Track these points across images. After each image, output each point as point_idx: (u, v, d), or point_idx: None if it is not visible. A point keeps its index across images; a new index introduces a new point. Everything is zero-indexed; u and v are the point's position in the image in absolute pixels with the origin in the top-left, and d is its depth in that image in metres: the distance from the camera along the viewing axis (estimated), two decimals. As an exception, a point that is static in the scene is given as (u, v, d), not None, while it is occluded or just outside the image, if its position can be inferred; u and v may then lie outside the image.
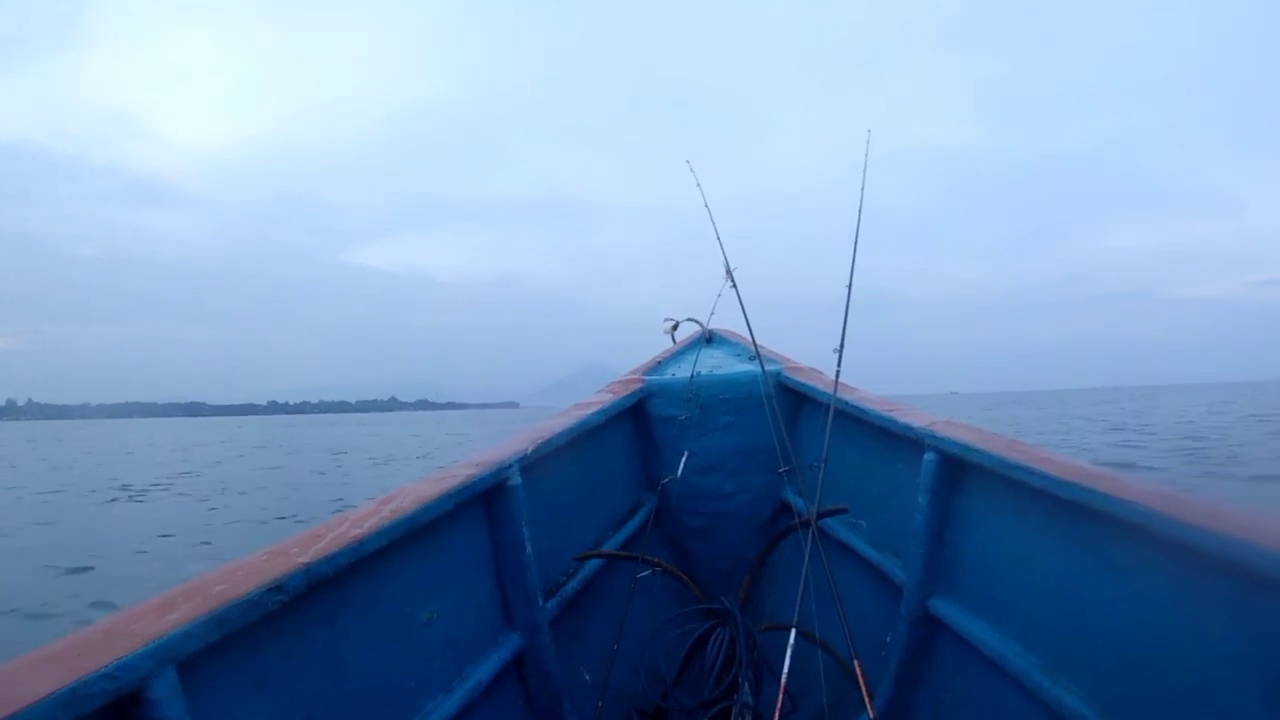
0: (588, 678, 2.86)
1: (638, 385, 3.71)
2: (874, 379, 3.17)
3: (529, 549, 2.49)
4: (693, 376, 3.71)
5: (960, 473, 2.48)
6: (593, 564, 3.06)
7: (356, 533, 1.75)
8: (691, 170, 3.88)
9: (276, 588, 1.49)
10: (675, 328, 4.26)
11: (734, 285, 3.63)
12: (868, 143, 3.39)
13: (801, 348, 3.93)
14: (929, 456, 2.53)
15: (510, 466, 2.46)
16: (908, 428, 2.68)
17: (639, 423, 3.75)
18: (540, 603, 2.56)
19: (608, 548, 3.19)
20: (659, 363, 4.06)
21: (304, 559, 1.58)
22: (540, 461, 2.68)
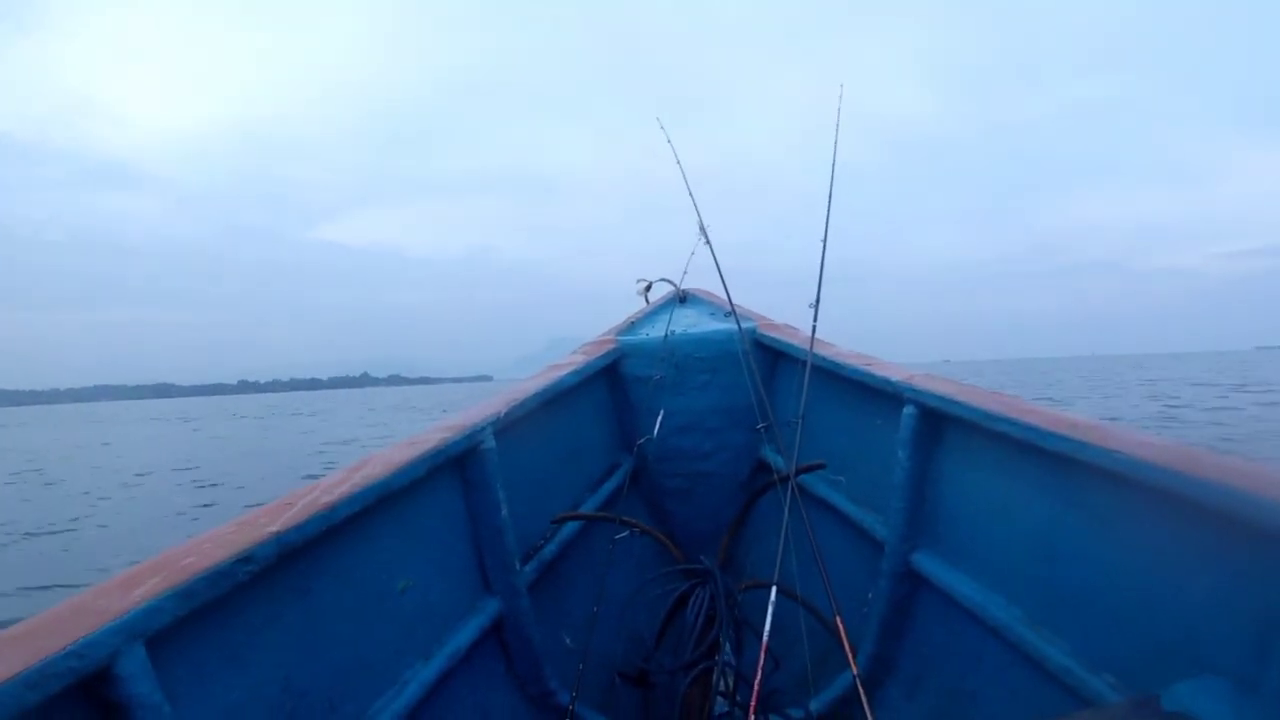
0: (568, 641, 2.85)
1: (611, 346, 3.67)
2: (861, 347, 3.15)
3: (504, 512, 2.47)
4: (667, 336, 3.68)
5: (940, 426, 2.47)
6: (570, 526, 3.05)
7: (327, 500, 1.71)
8: (662, 127, 3.81)
9: (245, 558, 1.45)
10: (648, 288, 4.20)
11: (708, 242, 3.58)
12: (840, 97, 3.35)
13: (774, 315, 3.91)
14: (908, 410, 2.52)
15: (483, 430, 2.43)
16: (886, 381, 2.67)
17: (613, 383, 3.72)
18: (518, 567, 2.54)
19: (585, 510, 3.18)
20: (632, 323, 4.01)
21: (273, 528, 1.55)
22: (514, 424, 2.65)
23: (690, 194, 3.66)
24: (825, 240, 3.00)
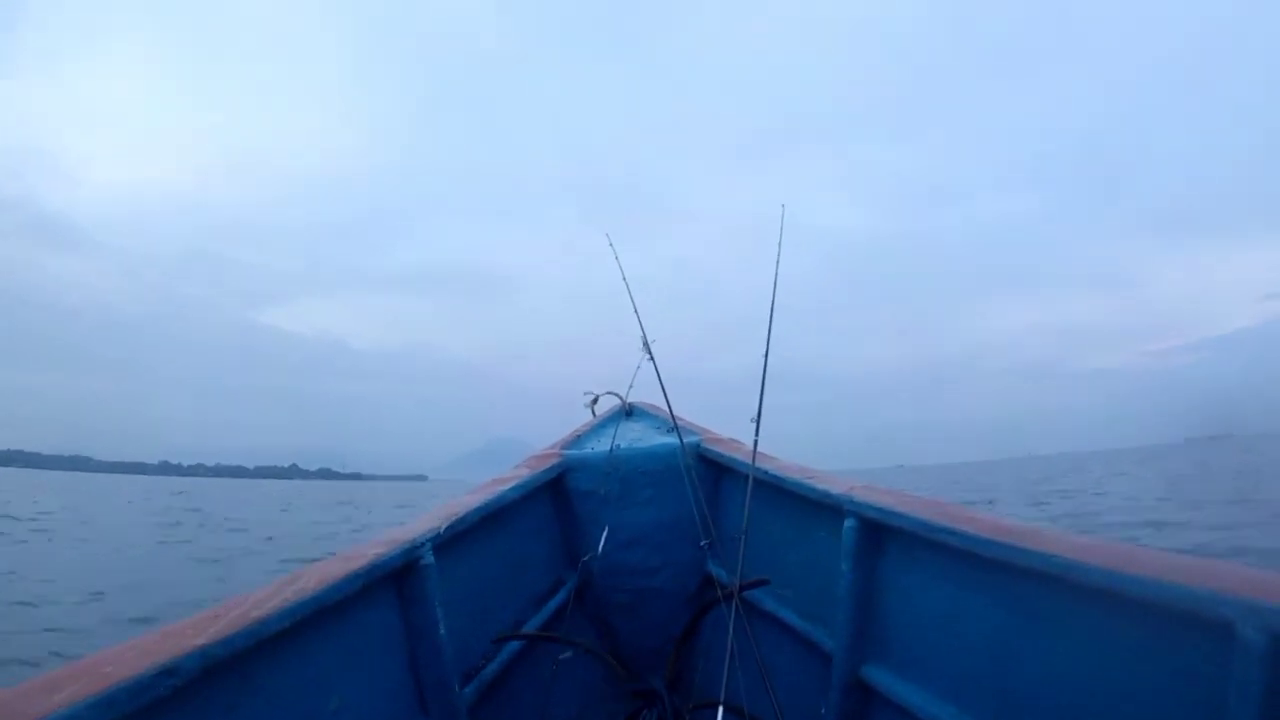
0: None
1: (555, 460, 3.65)
2: (815, 455, 3.17)
3: (443, 630, 2.40)
4: (612, 450, 3.68)
5: (882, 536, 2.50)
6: (512, 646, 2.95)
7: (257, 614, 1.66)
8: (610, 244, 3.95)
9: (169, 671, 1.39)
10: (595, 401, 4.27)
11: (651, 358, 3.65)
12: (782, 216, 3.53)
13: (719, 421, 3.97)
14: (849, 523, 2.55)
15: (422, 545, 2.38)
16: (826, 494, 2.71)
17: (558, 498, 3.68)
18: (457, 688, 2.46)
19: (528, 628, 3.09)
20: (578, 436, 4.02)
21: (200, 640, 1.49)
22: (454, 540, 2.60)
23: (635, 311, 3.75)
24: (767, 356, 3.09)
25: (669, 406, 3.72)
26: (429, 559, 2.38)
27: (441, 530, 2.51)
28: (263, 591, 1.77)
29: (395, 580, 2.32)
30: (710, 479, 3.67)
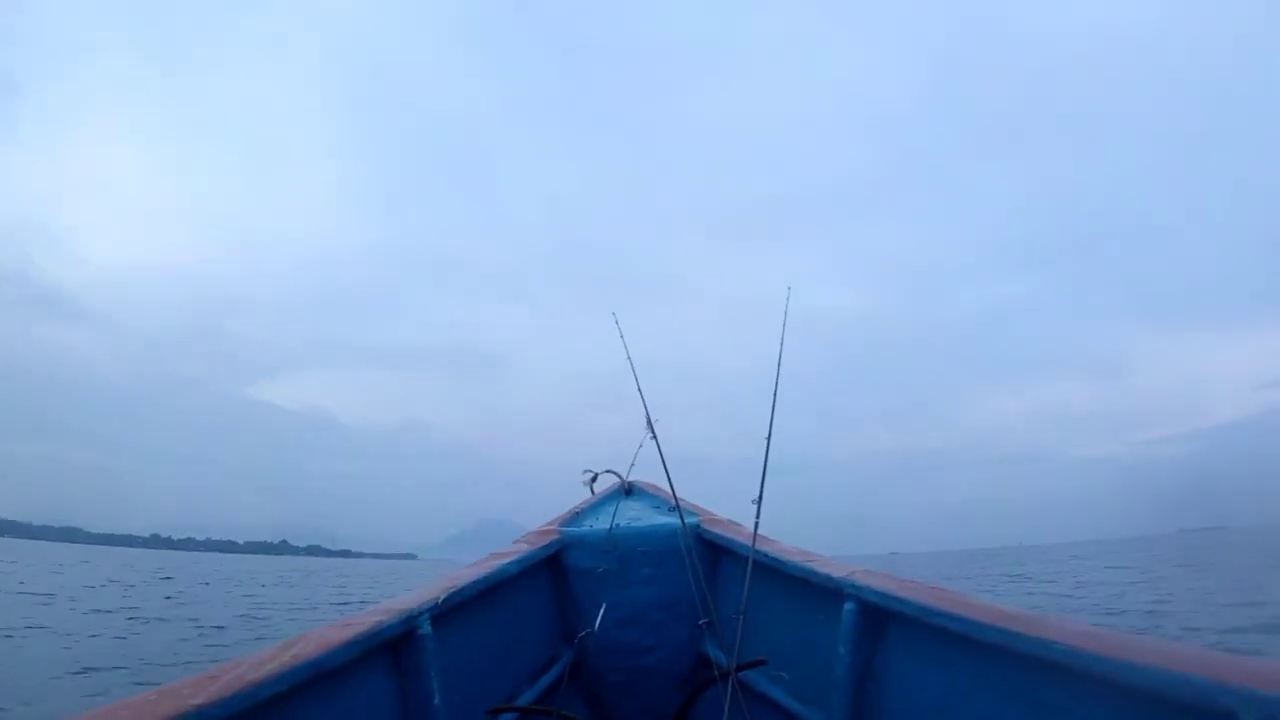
0: None
1: (554, 536, 3.67)
2: (812, 539, 3.18)
3: (438, 700, 2.40)
4: (611, 528, 3.69)
5: (881, 621, 2.50)
6: (506, 719, 2.94)
7: (254, 677, 1.68)
8: (616, 322, 4.02)
9: None
10: (594, 479, 4.28)
11: (654, 437, 3.68)
12: (788, 298, 3.58)
13: (716, 501, 3.98)
14: (849, 606, 2.55)
15: (420, 615, 2.40)
16: (827, 578, 2.72)
17: (555, 574, 3.68)
18: None
19: (522, 701, 3.08)
20: (577, 514, 4.04)
21: (196, 701, 1.51)
22: (452, 611, 2.61)
23: (639, 389, 3.79)
24: (769, 439, 3.11)
25: (671, 486, 3.74)
26: (426, 629, 2.40)
27: (440, 601, 2.52)
28: (261, 654, 1.79)
29: (392, 649, 2.33)
30: (709, 560, 3.68)
